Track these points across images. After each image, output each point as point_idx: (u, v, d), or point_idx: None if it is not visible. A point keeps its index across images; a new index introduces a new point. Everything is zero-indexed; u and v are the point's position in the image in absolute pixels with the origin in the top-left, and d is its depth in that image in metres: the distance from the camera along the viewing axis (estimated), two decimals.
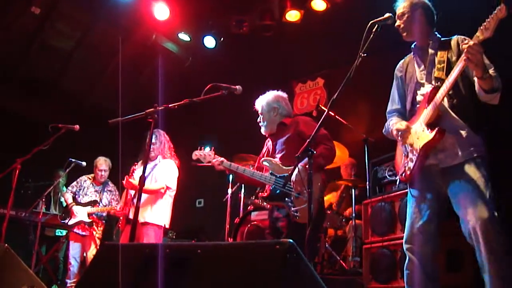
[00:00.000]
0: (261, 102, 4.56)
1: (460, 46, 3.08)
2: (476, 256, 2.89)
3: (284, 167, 4.17)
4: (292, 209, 3.94)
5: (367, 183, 5.51)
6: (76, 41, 8.79)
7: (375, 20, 3.19)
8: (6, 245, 3.62)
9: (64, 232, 7.64)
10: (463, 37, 3.20)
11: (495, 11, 2.66)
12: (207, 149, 4.52)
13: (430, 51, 3.32)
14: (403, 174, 3.29)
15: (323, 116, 3.28)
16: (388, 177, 5.19)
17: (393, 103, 3.59)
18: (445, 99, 3.11)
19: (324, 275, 5.63)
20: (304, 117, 4.70)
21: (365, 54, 3.12)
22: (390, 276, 4.62)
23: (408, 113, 3.41)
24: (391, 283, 4.59)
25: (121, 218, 5.72)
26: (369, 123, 7.14)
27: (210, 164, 4.46)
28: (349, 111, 6.61)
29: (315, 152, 3.28)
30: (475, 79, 2.94)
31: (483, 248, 2.80)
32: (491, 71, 2.91)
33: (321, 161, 4.04)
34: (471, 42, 2.76)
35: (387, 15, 3.24)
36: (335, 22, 7.51)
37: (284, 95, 4.68)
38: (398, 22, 3.38)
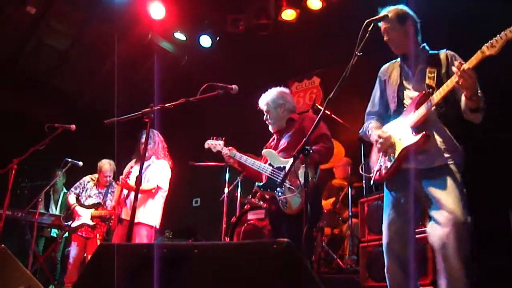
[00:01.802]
0: (266, 100, 4.56)
1: (450, 62, 3.17)
2: (437, 260, 2.90)
3: (281, 158, 4.20)
4: (282, 197, 3.97)
5: (364, 181, 5.51)
6: (72, 40, 8.78)
7: (371, 19, 3.18)
8: (2, 245, 3.62)
9: (60, 232, 7.63)
10: (452, 53, 3.27)
11: (506, 31, 2.66)
12: (219, 140, 4.69)
13: (419, 62, 3.34)
14: (378, 173, 3.30)
15: (319, 115, 3.29)
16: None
17: (374, 105, 3.64)
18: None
19: (321, 274, 5.64)
20: (311, 114, 4.79)
21: (361, 53, 3.12)
22: None
23: (392, 114, 3.40)
24: None
25: (113, 217, 5.70)
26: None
27: (219, 152, 4.61)
28: (345, 110, 6.60)
29: (311, 150, 3.30)
30: (463, 97, 2.99)
31: (452, 252, 2.80)
32: (479, 92, 2.94)
33: (316, 157, 4.02)
34: (465, 66, 2.77)
35: (382, 14, 3.25)
36: (331, 21, 7.52)
37: (287, 90, 4.73)
38: (386, 37, 3.39)
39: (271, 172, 4.18)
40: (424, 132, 3.02)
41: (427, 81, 3.18)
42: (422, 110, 3.08)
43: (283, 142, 4.36)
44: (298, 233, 3.27)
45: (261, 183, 4.27)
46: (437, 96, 3.01)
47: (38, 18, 8.16)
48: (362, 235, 5.14)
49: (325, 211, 6.39)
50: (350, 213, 6.00)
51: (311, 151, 3.29)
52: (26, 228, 7.24)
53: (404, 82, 3.37)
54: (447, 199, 2.92)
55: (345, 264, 5.91)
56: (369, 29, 3.14)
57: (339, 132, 6.51)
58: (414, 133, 3.08)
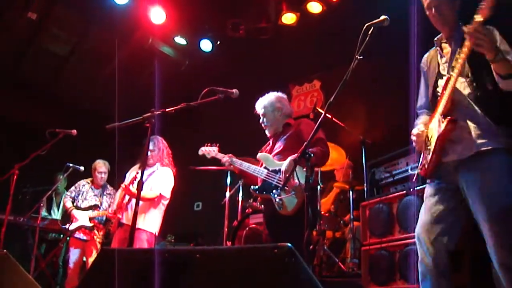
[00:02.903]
0: (263, 103, 4.58)
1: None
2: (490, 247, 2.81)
3: (276, 161, 4.23)
4: (277, 198, 3.99)
5: (365, 185, 5.50)
6: (73, 46, 8.80)
7: (371, 22, 3.19)
8: (4, 250, 3.62)
9: (61, 235, 7.63)
10: (491, 27, 2.95)
11: None
12: (213, 146, 4.74)
13: (454, 42, 3.17)
14: (422, 168, 3.16)
15: (320, 118, 3.29)
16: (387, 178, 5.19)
17: (421, 98, 3.48)
18: (468, 90, 2.99)
19: (323, 278, 5.63)
20: (308, 119, 4.77)
21: (361, 57, 3.12)
22: (389, 278, 4.61)
23: (431, 106, 3.27)
24: (390, 284, 4.58)
25: (113, 220, 5.71)
26: (366, 125, 7.14)
27: (213, 158, 4.67)
28: (346, 113, 6.61)
29: (312, 155, 3.31)
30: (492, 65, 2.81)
31: (498, 240, 2.74)
32: (509, 57, 2.76)
33: (314, 160, 4.03)
34: (470, 27, 2.67)
35: (382, 17, 3.24)
36: (331, 25, 7.53)
37: (284, 95, 4.74)
38: (432, 11, 3.15)
39: (266, 175, 4.21)
40: (448, 118, 2.89)
41: (454, 63, 2.98)
42: (446, 94, 2.95)
43: (279, 145, 4.39)
44: (296, 236, 3.27)
45: (257, 186, 4.30)
46: (455, 73, 2.88)
47: (39, 24, 8.18)
48: (363, 239, 5.12)
49: (327, 214, 6.38)
50: (352, 216, 5.99)
51: (312, 155, 3.29)
52: (28, 233, 7.26)
53: (440, 69, 3.22)
54: (485, 189, 2.82)
55: (347, 268, 5.90)
56: (369, 32, 3.14)
57: (340, 135, 6.51)
58: (442, 121, 2.95)
